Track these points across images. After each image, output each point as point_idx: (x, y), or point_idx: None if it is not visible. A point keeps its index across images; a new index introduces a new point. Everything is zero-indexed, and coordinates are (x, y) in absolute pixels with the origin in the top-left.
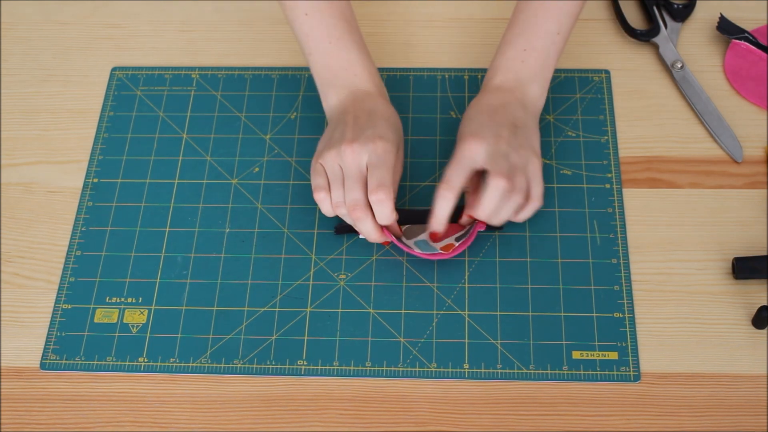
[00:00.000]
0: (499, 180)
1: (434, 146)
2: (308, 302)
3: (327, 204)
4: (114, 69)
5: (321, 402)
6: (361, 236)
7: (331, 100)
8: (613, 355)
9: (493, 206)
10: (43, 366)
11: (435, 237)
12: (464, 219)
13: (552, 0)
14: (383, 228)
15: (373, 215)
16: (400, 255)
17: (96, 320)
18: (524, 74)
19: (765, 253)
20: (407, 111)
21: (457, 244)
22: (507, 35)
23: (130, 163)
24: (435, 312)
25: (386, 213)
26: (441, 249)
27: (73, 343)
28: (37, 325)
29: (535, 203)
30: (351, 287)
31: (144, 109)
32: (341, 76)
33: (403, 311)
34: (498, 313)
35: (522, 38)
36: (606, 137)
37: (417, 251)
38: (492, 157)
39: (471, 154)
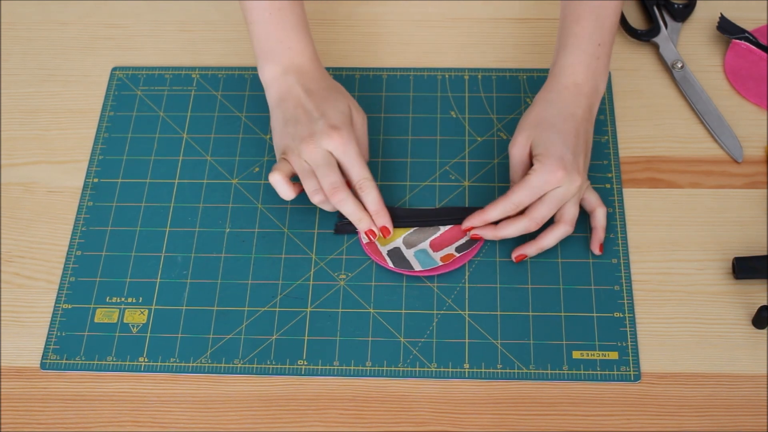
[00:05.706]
0: (568, 227)
1: (434, 146)
2: (308, 302)
3: (283, 186)
4: (114, 69)
5: (321, 402)
6: (364, 242)
7: (266, 73)
8: (614, 355)
9: (546, 245)
10: (43, 366)
11: (436, 246)
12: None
13: None
14: (371, 239)
15: (354, 197)
16: (404, 267)
17: (96, 320)
18: (599, 72)
19: (765, 253)
20: (407, 111)
21: (457, 255)
22: (576, 28)
23: (130, 163)
24: (435, 312)
25: (373, 197)
26: (441, 258)
27: (74, 343)
28: (37, 325)
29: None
30: (351, 287)
31: (144, 109)
32: (276, 50)
33: (403, 311)
34: (498, 313)
35: (596, 33)
36: (606, 137)
37: (417, 269)
38: (572, 198)
39: (551, 185)
